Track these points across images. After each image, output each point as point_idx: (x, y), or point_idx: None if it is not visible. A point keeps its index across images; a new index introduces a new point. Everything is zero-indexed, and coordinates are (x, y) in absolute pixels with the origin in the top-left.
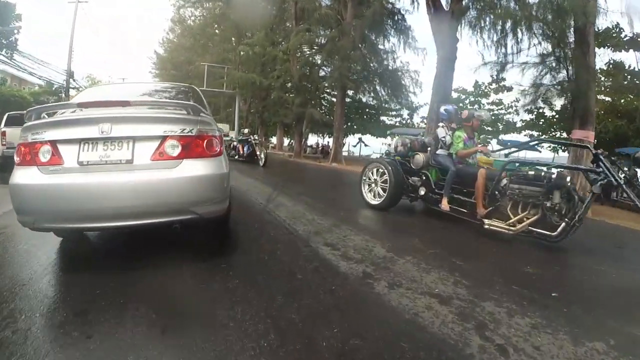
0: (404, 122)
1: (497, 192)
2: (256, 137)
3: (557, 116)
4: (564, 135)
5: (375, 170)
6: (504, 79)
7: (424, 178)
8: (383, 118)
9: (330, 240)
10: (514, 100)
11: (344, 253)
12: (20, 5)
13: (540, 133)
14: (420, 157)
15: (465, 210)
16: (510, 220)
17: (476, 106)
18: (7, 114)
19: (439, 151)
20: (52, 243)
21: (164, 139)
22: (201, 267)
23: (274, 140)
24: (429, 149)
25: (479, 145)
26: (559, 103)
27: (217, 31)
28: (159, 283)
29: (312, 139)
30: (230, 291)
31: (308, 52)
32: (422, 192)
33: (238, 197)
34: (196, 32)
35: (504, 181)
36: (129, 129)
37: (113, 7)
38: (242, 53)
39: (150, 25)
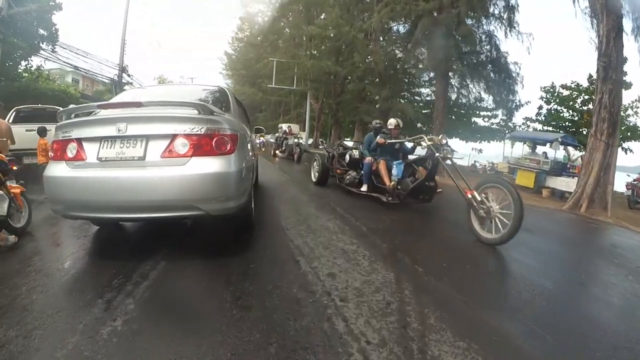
0: (503, 123)
1: None
2: (444, 142)
3: None
4: None
5: None
6: (625, 73)
7: None
8: (475, 119)
9: None
10: (636, 99)
11: None
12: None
13: None
14: None
15: None
16: None
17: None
18: (15, 109)
19: None
20: None
21: (174, 137)
22: None
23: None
24: None
25: None
26: None
27: (287, 30)
28: None
29: None
30: None
31: (393, 36)
32: None
33: None
34: (264, 27)
35: None
36: (143, 128)
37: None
38: (314, 43)
39: (223, 27)
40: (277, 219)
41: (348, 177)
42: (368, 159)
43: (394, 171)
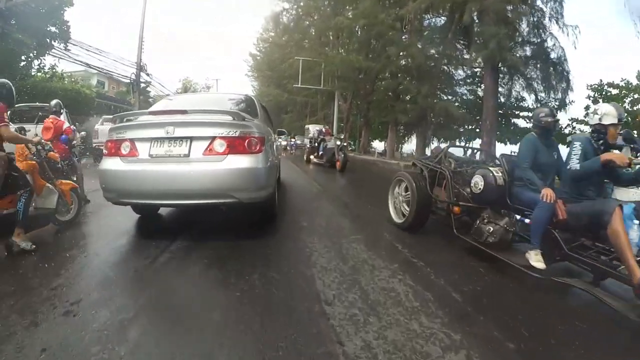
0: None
1: None
2: None
3: None
4: None
5: None
6: None
7: None
8: (514, 120)
9: None
10: None
11: None
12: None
13: None
14: None
15: None
16: None
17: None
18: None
19: None
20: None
21: (213, 139)
22: None
23: (378, 145)
24: None
25: None
26: None
27: (312, 29)
28: None
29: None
30: None
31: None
32: None
33: None
34: (289, 26)
35: None
36: (188, 131)
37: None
38: (341, 40)
39: (249, 30)
40: (311, 274)
41: (489, 226)
42: (546, 194)
43: (634, 233)
